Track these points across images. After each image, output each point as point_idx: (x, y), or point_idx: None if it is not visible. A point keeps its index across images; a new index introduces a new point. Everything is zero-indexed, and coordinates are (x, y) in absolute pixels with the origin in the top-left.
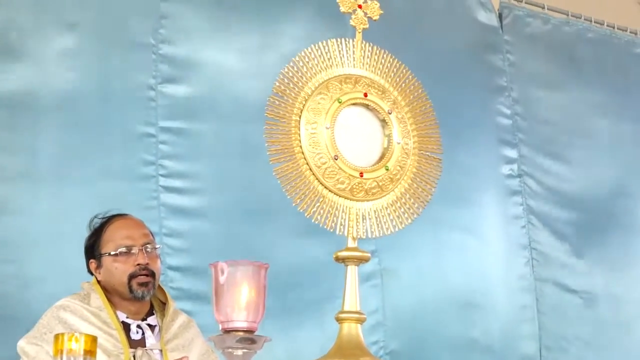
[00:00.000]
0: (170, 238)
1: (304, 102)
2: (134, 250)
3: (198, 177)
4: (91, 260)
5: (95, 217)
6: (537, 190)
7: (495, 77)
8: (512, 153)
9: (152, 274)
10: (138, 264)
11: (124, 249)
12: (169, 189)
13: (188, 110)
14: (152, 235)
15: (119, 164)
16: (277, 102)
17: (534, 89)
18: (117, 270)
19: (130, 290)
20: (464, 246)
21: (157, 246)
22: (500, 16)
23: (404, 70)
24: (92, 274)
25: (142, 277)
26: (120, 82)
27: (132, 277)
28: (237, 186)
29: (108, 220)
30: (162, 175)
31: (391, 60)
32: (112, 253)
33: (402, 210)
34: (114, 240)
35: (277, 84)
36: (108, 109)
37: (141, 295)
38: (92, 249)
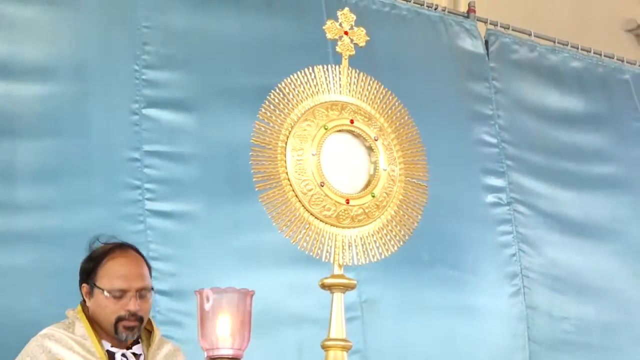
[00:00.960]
0: (158, 262)
1: (290, 129)
2: (128, 295)
3: (185, 200)
4: (84, 285)
5: (97, 239)
6: (528, 216)
7: (479, 105)
8: (498, 182)
9: (140, 320)
10: (128, 310)
11: (117, 293)
12: (156, 213)
13: (173, 134)
14: (150, 270)
15: (104, 189)
16: (263, 129)
17: (521, 115)
18: (107, 309)
19: (116, 331)
20: (448, 280)
21: (152, 289)
22: (486, 43)
23: (390, 97)
24: (82, 295)
25: (129, 322)
26: (102, 110)
27: (119, 319)
28: (224, 209)
29: (109, 252)
30: (148, 199)
31: (377, 87)
32: (105, 292)
33: (389, 237)
34: (110, 278)
35: (263, 110)
36: (91, 133)
37: (125, 338)
38: (87, 275)
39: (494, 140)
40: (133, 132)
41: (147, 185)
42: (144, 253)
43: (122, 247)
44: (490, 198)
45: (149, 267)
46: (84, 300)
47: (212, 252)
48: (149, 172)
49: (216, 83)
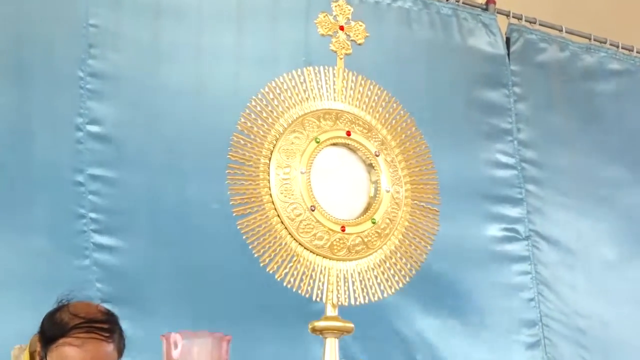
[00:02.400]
0: (108, 305)
1: (274, 142)
2: None
3: (135, 233)
4: (40, 345)
5: (68, 299)
6: (550, 253)
7: (495, 117)
8: (515, 211)
9: None
10: None
11: None
12: (103, 247)
13: (121, 156)
14: (121, 353)
15: (44, 217)
16: (242, 142)
17: (547, 130)
18: None
19: None
20: (449, 332)
21: None
22: (507, 41)
23: (395, 105)
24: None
25: None
26: (44, 122)
27: None
28: (180, 239)
29: (70, 330)
30: (94, 231)
31: (379, 92)
32: None
33: (392, 272)
34: None
35: (243, 119)
36: (31, 149)
37: None
38: (44, 339)
39: (510, 161)
40: (76, 151)
41: (92, 215)
42: (89, 293)
43: (89, 330)
44: (504, 231)
45: (121, 349)
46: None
47: (169, 294)
48: (94, 199)
49: (170, 94)
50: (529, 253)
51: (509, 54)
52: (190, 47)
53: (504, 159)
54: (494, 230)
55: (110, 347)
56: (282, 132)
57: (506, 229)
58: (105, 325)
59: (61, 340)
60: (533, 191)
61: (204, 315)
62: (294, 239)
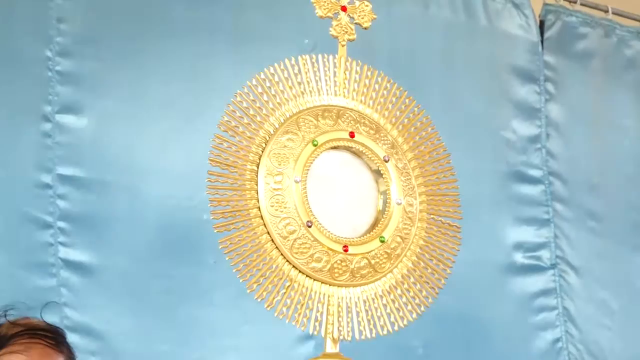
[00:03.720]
0: (75, 334)
1: (263, 145)
2: None
3: (112, 247)
4: None
5: (6, 313)
6: (580, 286)
7: (522, 120)
8: (540, 235)
9: None
10: None
11: None
12: (72, 265)
13: (96, 152)
14: None
15: (2, 223)
16: (225, 144)
17: (583, 137)
18: None
19: None
20: None
21: None
22: (541, 25)
23: (407, 100)
24: None
25: None
26: (3, 110)
27: None
28: (166, 254)
29: (10, 338)
30: (62, 244)
31: (388, 85)
32: None
33: (405, 299)
34: None
35: (226, 117)
36: None
37: None
38: None
39: (537, 173)
40: (43, 146)
41: (60, 224)
42: (57, 320)
43: (32, 335)
44: (525, 258)
45: None
46: None
47: (148, 321)
48: (64, 205)
49: (159, 79)
50: (556, 284)
51: (542, 41)
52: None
53: (530, 171)
54: (516, 255)
55: (60, 359)
56: (272, 132)
57: (530, 257)
58: (49, 333)
59: (2, 351)
60: (561, 212)
61: (186, 341)
62: (287, 261)
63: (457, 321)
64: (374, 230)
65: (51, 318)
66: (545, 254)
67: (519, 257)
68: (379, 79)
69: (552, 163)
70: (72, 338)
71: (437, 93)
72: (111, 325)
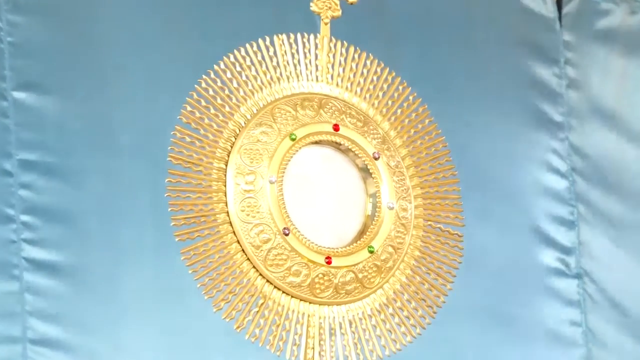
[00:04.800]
0: (39, 347)
1: (233, 139)
2: None
3: (84, 244)
4: None
5: None
6: (603, 302)
7: (543, 105)
8: (567, 237)
9: None
10: None
11: None
12: (38, 264)
13: (66, 134)
14: None
15: None
16: (187, 139)
17: (607, 128)
18: None
19: None
20: None
21: None
22: (559, 1)
23: (401, 87)
24: None
25: None
26: None
27: None
28: (149, 251)
29: None
30: (26, 241)
31: (378, 69)
32: None
33: (397, 320)
34: None
35: (189, 107)
36: None
37: None
38: None
39: (562, 167)
40: (1, 128)
41: (24, 218)
42: (19, 332)
43: None
44: (553, 260)
45: None
46: None
47: (132, 331)
48: (27, 195)
49: (129, 55)
50: (580, 297)
51: (560, 18)
52: None
53: (555, 161)
54: (543, 258)
55: None
56: (243, 125)
57: (557, 259)
58: None
59: None
60: (585, 215)
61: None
62: (260, 275)
63: (481, 320)
64: (361, 239)
65: (12, 330)
66: (571, 261)
67: (550, 259)
68: (368, 62)
69: (575, 159)
70: (38, 350)
71: (438, 80)
72: (85, 337)
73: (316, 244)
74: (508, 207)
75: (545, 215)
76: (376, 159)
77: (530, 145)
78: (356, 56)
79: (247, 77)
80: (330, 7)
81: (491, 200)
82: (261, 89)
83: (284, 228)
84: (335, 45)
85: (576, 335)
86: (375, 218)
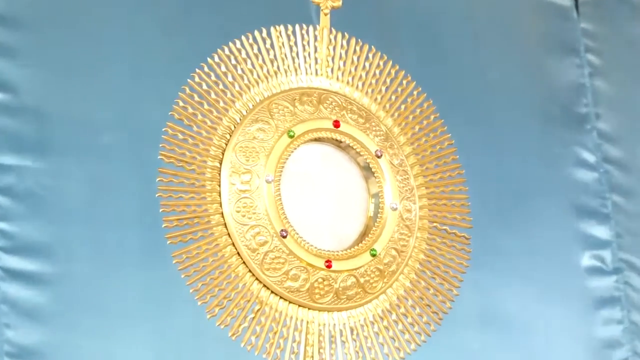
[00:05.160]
0: None
1: (228, 136)
2: None
3: (65, 252)
4: None
5: None
6: None
7: (568, 97)
8: (600, 230)
9: None
10: None
11: None
12: (15, 274)
13: (39, 133)
14: None
15: None
16: (180, 136)
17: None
18: None
19: None
20: None
21: None
22: None
23: (405, 81)
24: None
25: None
26: None
27: None
28: (131, 267)
29: None
30: (1, 250)
31: (381, 62)
32: None
33: (401, 327)
34: None
35: (181, 103)
36: None
37: None
38: None
39: (591, 159)
40: None
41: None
42: None
43: None
44: (588, 259)
45: None
46: None
47: (111, 342)
48: (3, 201)
49: (115, 48)
50: (621, 294)
51: (577, 5)
52: None
53: (583, 154)
54: (578, 255)
55: None
56: (239, 121)
57: (592, 256)
58: None
59: None
60: (621, 205)
61: None
62: (257, 279)
63: (511, 319)
64: (363, 242)
65: None
66: (607, 256)
67: (586, 257)
68: (370, 54)
69: (606, 147)
70: None
71: (451, 71)
72: (68, 351)
73: (315, 247)
74: (532, 206)
75: (575, 210)
76: (379, 157)
77: (554, 139)
78: (358, 48)
79: (242, 70)
80: None
81: (512, 200)
82: (257, 83)
83: (282, 230)
84: (335, 37)
85: (617, 334)
86: (377, 219)
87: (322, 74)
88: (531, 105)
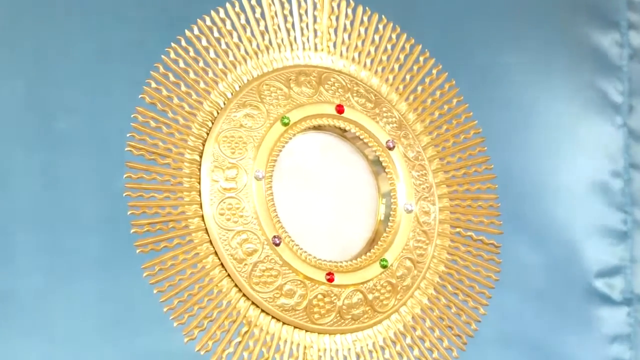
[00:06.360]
0: None
1: (209, 124)
2: None
3: (5, 261)
4: None
5: None
6: None
7: (598, 80)
8: (612, 252)
9: None
10: None
11: None
12: None
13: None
14: None
15: None
16: (151, 123)
17: None
18: None
19: None
20: None
21: None
22: None
23: (422, 58)
24: None
25: None
26: None
27: None
28: (88, 277)
29: None
30: None
31: (393, 35)
32: None
33: (418, 352)
34: None
35: (153, 83)
36: None
37: None
38: None
39: (617, 162)
40: None
41: None
42: None
43: None
44: (598, 283)
45: None
46: None
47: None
48: None
49: (74, 22)
50: (631, 329)
51: None
52: None
53: (608, 154)
54: (589, 277)
55: None
56: (223, 106)
57: (603, 283)
58: None
59: None
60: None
61: None
62: (244, 295)
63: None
64: (371, 251)
65: None
66: (617, 283)
67: (595, 281)
68: (381, 26)
69: (635, 149)
70: None
71: (476, 49)
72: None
73: (314, 257)
74: (542, 213)
75: (589, 225)
76: (390, 148)
77: (579, 132)
78: (365, 19)
79: (227, 45)
80: None
81: (521, 202)
82: (245, 60)
83: (274, 236)
84: (338, 5)
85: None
86: (389, 223)
87: (322, 49)
88: (556, 85)
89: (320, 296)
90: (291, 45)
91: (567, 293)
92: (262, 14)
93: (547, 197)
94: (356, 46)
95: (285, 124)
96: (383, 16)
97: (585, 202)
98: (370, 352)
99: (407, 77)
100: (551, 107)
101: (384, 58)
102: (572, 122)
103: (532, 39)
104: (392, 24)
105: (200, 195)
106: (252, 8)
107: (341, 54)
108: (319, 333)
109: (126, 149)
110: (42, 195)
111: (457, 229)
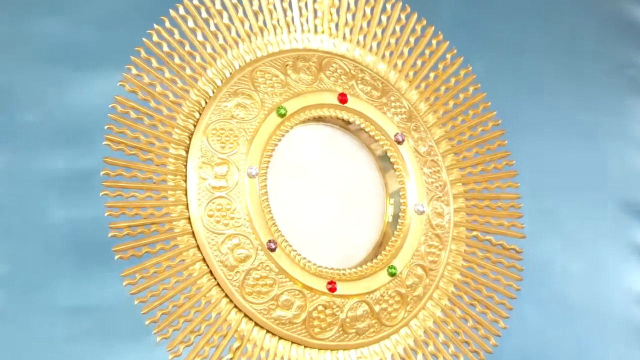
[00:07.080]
0: None
1: (197, 114)
2: None
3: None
4: None
5: None
6: None
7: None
8: None
9: None
10: None
11: None
12: None
13: None
14: None
15: None
16: (131, 114)
17: None
18: None
19: None
20: None
21: None
22: None
23: (435, 41)
24: None
25: None
26: None
27: None
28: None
29: None
30: None
31: (403, 16)
32: None
33: None
34: None
35: (133, 69)
36: None
37: None
38: None
39: None
40: None
41: None
42: None
43: None
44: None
45: None
46: None
47: None
48: None
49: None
50: None
51: None
52: None
53: None
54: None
55: None
56: (212, 95)
57: None
58: None
59: None
60: None
61: None
62: (236, 307)
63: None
64: (378, 257)
65: None
66: None
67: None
68: (388, 5)
69: None
70: None
71: (496, 31)
72: None
73: (314, 264)
74: (577, 209)
75: (633, 221)
76: (399, 142)
77: (618, 119)
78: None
79: (217, 26)
80: None
81: (553, 198)
82: (237, 43)
83: (269, 241)
84: None
85: None
86: (398, 226)
87: (323, 32)
88: (589, 66)
89: (320, 308)
90: (288, 26)
91: (609, 301)
92: None
93: (578, 191)
94: (361, 28)
95: (281, 115)
96: None
97: (624, 196)
98: None
99: (418, 62)
100: (581, 92)
101: (392, 41)
102: (609, 108)
103: (555, 15)
104: (401, 3)
105: (186, 194)
106: None
107: (344, 37)
108: (319, 349)
109: (103, 142)
110: (5, 194)
111: (474, 233)
